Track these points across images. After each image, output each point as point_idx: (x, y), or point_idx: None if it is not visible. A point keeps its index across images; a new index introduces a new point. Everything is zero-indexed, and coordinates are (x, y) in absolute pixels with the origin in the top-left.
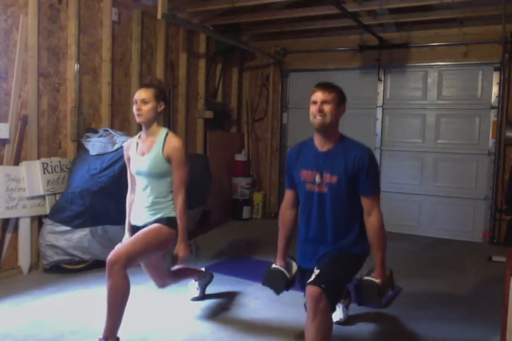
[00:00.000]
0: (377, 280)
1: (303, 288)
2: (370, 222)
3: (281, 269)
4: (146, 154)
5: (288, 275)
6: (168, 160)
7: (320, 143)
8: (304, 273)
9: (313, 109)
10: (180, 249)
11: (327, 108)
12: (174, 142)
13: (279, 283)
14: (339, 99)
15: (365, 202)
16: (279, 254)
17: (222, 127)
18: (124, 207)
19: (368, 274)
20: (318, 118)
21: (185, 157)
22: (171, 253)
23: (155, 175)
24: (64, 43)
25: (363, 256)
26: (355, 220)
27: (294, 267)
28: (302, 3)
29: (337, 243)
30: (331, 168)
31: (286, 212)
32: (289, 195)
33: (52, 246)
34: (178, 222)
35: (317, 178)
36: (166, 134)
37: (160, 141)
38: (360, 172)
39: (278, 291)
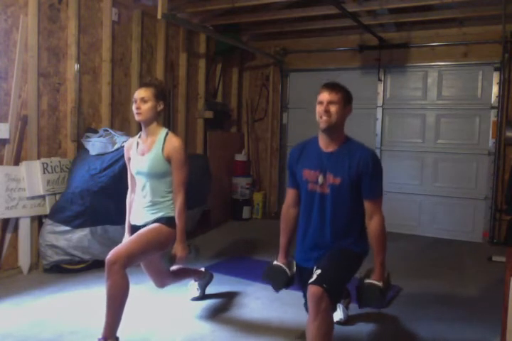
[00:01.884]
0: (379, 283)
1: (301, 287)
2: (372, 225)
3: (283, 266)
4: (146, 154)
5: (289, 272)
6: (168, 160)
7: (324, 144)
8: (301, 271)
9: (319, 109)
10: (178, 249)
11: (333, 108)
12: (174, 142)
13: (279, 280)
14: (345, 100)
15: (368, 205)
16: (281, 252)
17: (222, 127)
18: (124, 207)
19: (368, 276)
20: (324, 118)
21: (185, 157)
22: (169, 253)
23: (155, 175)
24: (64, 43)
25: (363, 255)
26: (356, 222)
27: (295, 266)
28: (302, 3)
29: (336, 244)
30: (335, 169)
31: (288, 210)
32: (290, 193)
33: (52, 246)
34: (177, 222)
35: (320, 179)
36: (166, 134)
37: (160, 140)
38: (363, 176)
39: (277, 288)
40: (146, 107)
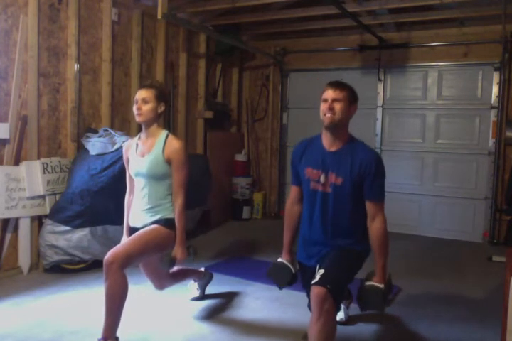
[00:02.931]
0: (381, 286)
1: (304, 286)
2: (374, 227)
3: (287, 264)
4: (145, 155)
5: (293, 269)
6: (168, 162)
7: (328, 142)
8: (304, 269)
9: (323, 107)
10: (178, 252)
11: (338, 106)
12: (175, 144)
13: (283, 277)
14: (350, 98)
15: (370, 207)
16: (285, 249)
17: (222, 127)
18: (123, 207)
19: (369, 279)
20: (328, 115)
21: (185, 159)
22: (168, 255)
23: (154, 177)
24: (64, 43)
25: (364, 254)
26: (358, 223)
27: (298, 263)
28: (302, 3)
29: (337, 243)
30: (337, 168)
31: (292, 207)
32: (294, 191)
33: (52, 246)
34: (177, 224)
35: (322, 178)
36: (167, 136)
37: (160, 142)
38: (366, 177)
39: (281, 285)
40: (146, 108)
